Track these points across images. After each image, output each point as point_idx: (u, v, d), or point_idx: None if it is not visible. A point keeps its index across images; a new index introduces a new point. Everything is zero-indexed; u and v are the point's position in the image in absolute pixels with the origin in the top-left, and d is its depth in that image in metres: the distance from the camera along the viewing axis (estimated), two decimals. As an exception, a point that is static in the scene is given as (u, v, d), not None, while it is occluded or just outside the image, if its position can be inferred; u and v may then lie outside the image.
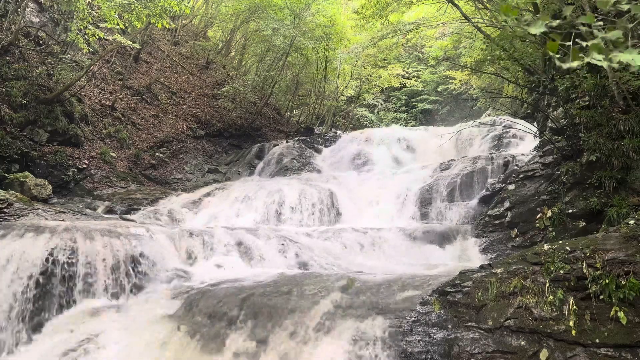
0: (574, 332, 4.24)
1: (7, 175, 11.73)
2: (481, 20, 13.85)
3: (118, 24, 13.40)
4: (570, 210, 8.02)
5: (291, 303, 5.64)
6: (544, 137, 9.87)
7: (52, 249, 6.56)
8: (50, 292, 6.30)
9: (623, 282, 4.26)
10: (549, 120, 9.87)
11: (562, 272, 4.61)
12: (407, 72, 33.63)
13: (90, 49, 15.36)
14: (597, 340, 4.17)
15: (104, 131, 16.05)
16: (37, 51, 14.38)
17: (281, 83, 24.04)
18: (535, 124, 11.64)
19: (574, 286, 4.51)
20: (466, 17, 13.78)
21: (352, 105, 31.55)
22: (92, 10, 13.77)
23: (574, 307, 4.35)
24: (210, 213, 12.15)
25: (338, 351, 4.80)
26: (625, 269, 4.34)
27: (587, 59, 1.79)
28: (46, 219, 8.71)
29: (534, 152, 11.13)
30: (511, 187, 9.68)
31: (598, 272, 4.42)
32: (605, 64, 1.78)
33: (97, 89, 17.16)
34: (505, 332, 4.48)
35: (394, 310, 5.11)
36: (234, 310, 5.72)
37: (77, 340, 5.70)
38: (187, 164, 18.00)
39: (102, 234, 7.13)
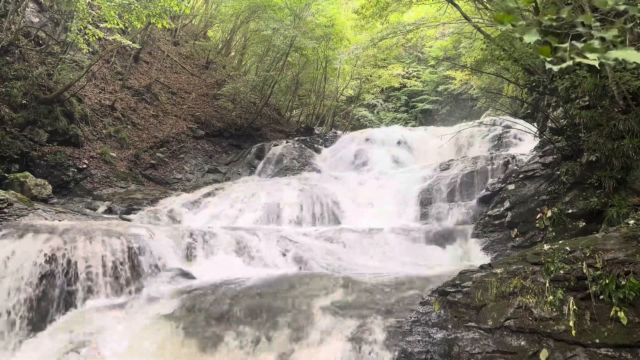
0: (574, 332, 4.24)
1: (7, 175, 11.73)
2: (481, 20, 13.86)
3: (118, 24, 13.40)
4: (570, 210, 8.02)
5: (291, 303, 5.64)
6: (544, 137, 9.87)
7: (52, 249, 6.56)
8: (51, 292, 6.30)
9: (623, 282, 4.26)
10: (549, 120, 9.87)
11: (562, 272, 4.61)
12: (407, 72, 33.64)
13: (90, 49, 15.36)
14: (597, 340, 4.17)
15: (104, 131, 16.05)
16: (37, 51, 14.38)
17: (281, 83, 24.04)
18: (535, 124, 11.64)
19: (574, 286, 4.51)
20: (466, 17, 13.78)
21: (352, 105, 31.56)
22: (92, 10, 13.77)
23: (574, 307, 4.35)
24: (210, 213, 12.15)
25: (338, 351, 4.80)
26: (625, 269, 4.34)
27: (577, 59, 1.80)
28: (46, 219, 8.71)
29: (534, 152, 11.13)
30: (511, 187, 9.68)
31: (598, 272, 4.42)
32: (596, 63, 1.79)
33: (97, 89, 17.16)
34: (505, 332, 4.48)
35: (394, 310, 5.11)
36: (233, 310, 5.72)
37: (78, 340, 5.70)
38: (187, 164, 18.00)
39: (102, 234, 7.13)
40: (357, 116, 32.57)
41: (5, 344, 5.89)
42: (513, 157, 11.80)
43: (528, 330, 4.42)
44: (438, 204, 11.40)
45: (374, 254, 9.19)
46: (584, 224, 7.76)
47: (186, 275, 7.25)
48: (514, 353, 4.33)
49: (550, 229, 8.17)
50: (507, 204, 9.41)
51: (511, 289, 4.73)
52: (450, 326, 4.71)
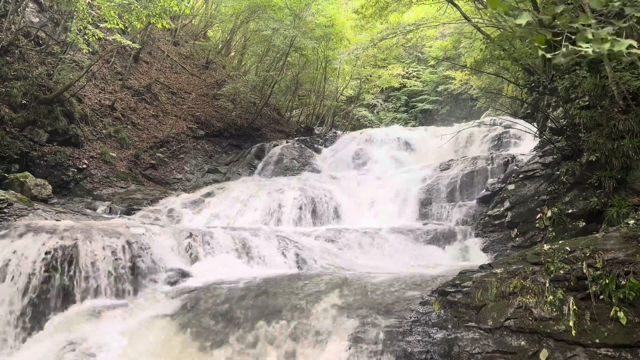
0: (574, 332, 4.24)
1: (7, 175, 11.73)
2: (481, 20, 13.86)
3: (118, 24, 13.40)
4: (570, 210, 8.02)
5: (291, 303, 5.64)
6: (544, 137, 9.87)
7: (52, 249, 6.56)
8: (51, 291, 6.30)
9: (623, 282, 4.26)
10: (549, 120, 9.87)
11: (562, 272, 4.61)
12: (407, 72, 33.63)
13: (90, 49, 15.36)
14: (597, 340, 4.18)
15: (104, 131, 16.05)
16: (37, 51, 14.38)
17: (281, 83, 24.04)
18: (535, 124, 11.64)
19: (574, 286, 4.51)
20: (466, 17, 13.78)
21: (352, 105, 31.55)
22: (92, 10, 13.77)
23: (574, 307, 4.35)
24: (210, 213, 12.16)
25: (338, 351, 4.80)
26: (625, 269, 4.34)
27: (571, 47, 1.82)
28: (46, 219, 8.71)
29: (534, 152, 11.13)
30: (511, 187, 9.69)
31: (598, 272, 4.42)
32: (590, 51, 1.82)
33: (97, 89, 17.15)
34: (505, 332, 4.48)
35: (394, 310, 5.12)
36: (234, 310, 5.72)
37: (77, 339, 5.70)
38: (187, 164, 18.00)
39: (102, 234, 7.13)
40: (357, 116, 32.57)
41: (4, 343, 5.89)
42: (513, 157, 11.80)
43: (528, 330, 4.42)
44: (438, 204, 11.40)
45: (374, 254, 9.19)
46: (584, 224, 7.76)
47: (186, 275, 7.25)
48: (514, 353, 4.33)
49: (550, 229, 8.17)
50: (507, 204, 9.42)
51: (511, 289, 4.73)
52: (450, 326, 4.71)
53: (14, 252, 6.47)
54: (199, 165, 18.25)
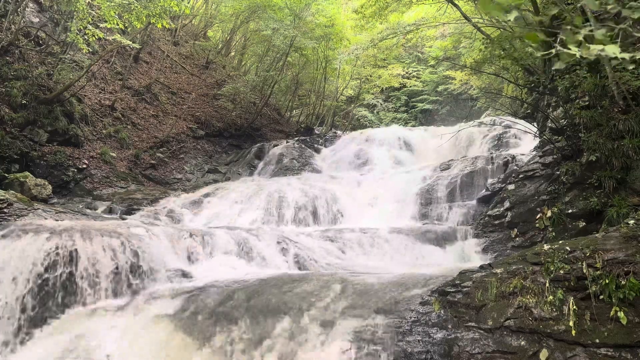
0: (574, 332, 4.24)
1: (7, 175, 11.73)
2: (481, 20, 13.85)
3: (118, 24, 13.41)
4: (570, 210, 8.02)
5: (291, 303, 5.64)
6: (544, 137, 9.87)
7: (52, 249, 6.55)
8: (50, 292, 6.30)
9: (623, 282, 4.26)
10: (549, 120, 9.87)
11: (562, 272, 4.61)
12: (407, 72, 33.64)
13: (90, 49, 15.36)
14: (597, 340, 4.18)
15: (104, 131, 16.05)
16: (37, 51, 14.38)
17: (281, 83, 24.05)
18: (535, 124, 11.64)
19: (574, 286, 4.51)
20: (466, 17, 13.79)
21: (352, 105, 31.56)
22: (92, 10, 13.77)
23: (574, 307, 4.35)
24: (210, 213, 12.15)
25: (338, 351, 4.80)
26: (625, 269, 4.34)
27: (560, 49, 1.86)
28: (46, 219, 8.71)
29: (534, 152, 11.13)
30: (511, 187, 9.68)
31: (598, 272, 4.42)
32: (578, 53, 1.87)
33: (97, 89, 17.16)
34: (505, 332, 4.48)
35: (394, 310, 5.11)
36: (234, 311, 5.72)
37: (78, 340, 5.70)
38: (187, 164, 18.00)
39: (102, 234, 7.13)
40: (357, 116, 32.57)
41: (4, 344, 5.89)
42: (513, 157, 11.80)
43: (528, 330, 4.42)
44: (438, 204, 11.40)
45: (374, 253, 9.20)
46: (584, 224, 7.76)
47: (186, 275, 7.25)
48: (514, 353, 4.33)
49: (550, 229, 8.17)
50: (507, 204, 9.42)
51: (511, 289, 4.73)
52: (450, 326, 4.71)
53: (14, 252, 6.46)
54: (199, 165, 18.25)
